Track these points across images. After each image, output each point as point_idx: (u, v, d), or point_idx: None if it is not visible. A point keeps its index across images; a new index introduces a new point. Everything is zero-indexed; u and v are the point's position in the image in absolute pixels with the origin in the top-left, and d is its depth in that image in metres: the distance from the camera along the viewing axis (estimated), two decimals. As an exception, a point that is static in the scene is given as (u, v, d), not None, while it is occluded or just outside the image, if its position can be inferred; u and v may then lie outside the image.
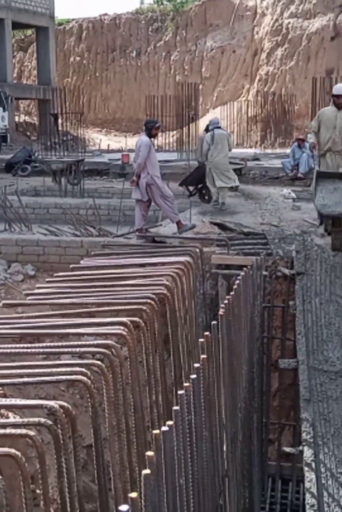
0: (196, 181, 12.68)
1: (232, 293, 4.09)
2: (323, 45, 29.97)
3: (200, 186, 12.58)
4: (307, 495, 4.41)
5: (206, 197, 12.44)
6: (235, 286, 4.27)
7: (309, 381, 5.48)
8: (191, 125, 23.06)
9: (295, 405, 6.62)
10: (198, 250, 6.56)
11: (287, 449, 6.00)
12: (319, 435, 4.93)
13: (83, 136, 26.54)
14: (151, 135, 9.57)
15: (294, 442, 6.67)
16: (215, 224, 9.88)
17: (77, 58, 37.90)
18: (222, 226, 9.77)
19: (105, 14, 38.43)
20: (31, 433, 2.89)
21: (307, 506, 4.33)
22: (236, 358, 4.07)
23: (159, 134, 26.11)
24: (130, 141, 25.71)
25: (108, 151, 25.40)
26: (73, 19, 39.41)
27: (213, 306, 7.34)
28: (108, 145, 27.88)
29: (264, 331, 6.90)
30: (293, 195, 13.49)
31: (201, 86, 29.97)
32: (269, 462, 6.99)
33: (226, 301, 3.76)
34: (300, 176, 15.44)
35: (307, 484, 4.49)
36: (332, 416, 5.17)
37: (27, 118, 34.35)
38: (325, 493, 4.44)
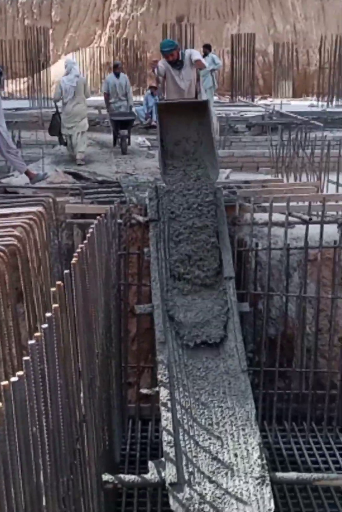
0: None
1: (85, 241, 4.09)
2: (173, -9, 30.07)
3: None
4: (164, 433, 4.60)
5: None
6: (88, 235, 4.27)
7: (164, 325, 5.66)
8: (42, 71, 22.39)
9: (152, 348, 6.80)
10: (51, 200, 6.44)
11: (145, 391, 6.20)
12: (174, 376, 5.13)
13: None
14: None
15: (152, 383, 6.88)
16: (69, 173, 9.78)
17: None
18: (76, 175, 9.69)
19: None
20: None
21: (164, 443, 4.52)
22: (91, 305, 4.09)
23: (10, 80, 25.13)
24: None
25: None
26: None
27: (70, 256, 7.26)
28: None
29: (120, 278, 6.98)
30: (148, 143, 13.60)
31: (51, 31, 29.10)
32: (129, 404, 7.17)
33: (78, 250, 3.75)
34: (153, 124, 15.49)
35: (163, 422, 4.68)
36: (186, 357, 5.40)
37: None
38: (180, 430, 4.66)
